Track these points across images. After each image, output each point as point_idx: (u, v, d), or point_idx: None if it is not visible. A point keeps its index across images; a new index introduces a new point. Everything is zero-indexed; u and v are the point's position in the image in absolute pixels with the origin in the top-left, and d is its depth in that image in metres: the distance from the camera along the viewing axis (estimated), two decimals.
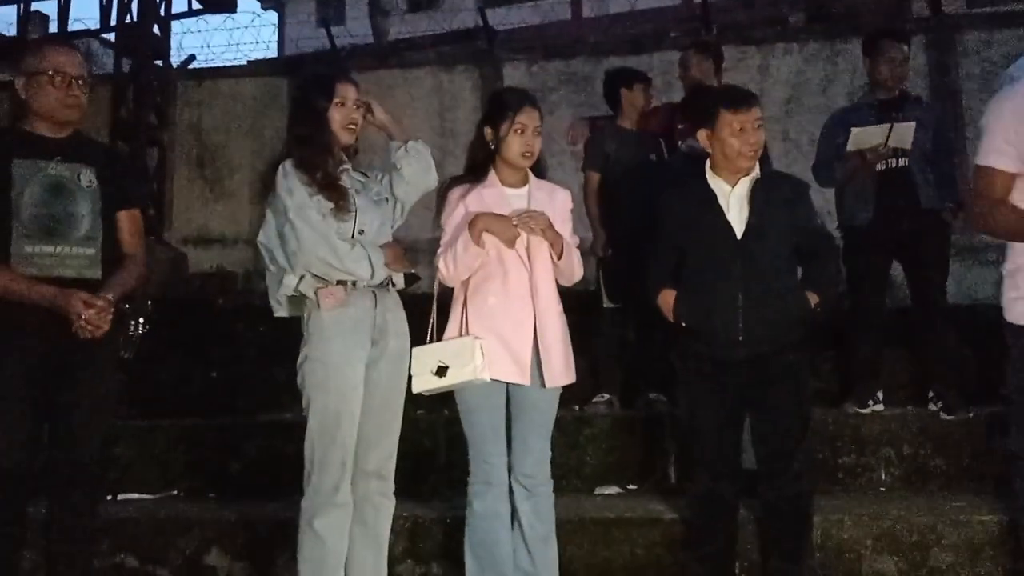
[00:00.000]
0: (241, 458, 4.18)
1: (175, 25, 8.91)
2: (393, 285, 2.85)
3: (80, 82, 2.79)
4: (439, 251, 2.89)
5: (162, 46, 8.30)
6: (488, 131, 2.92)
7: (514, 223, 2.81)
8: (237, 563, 3.28)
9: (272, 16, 22.33)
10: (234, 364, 5.41)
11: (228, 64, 10.81)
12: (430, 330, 2.88)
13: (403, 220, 2.98)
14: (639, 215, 4.26)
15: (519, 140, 2.89)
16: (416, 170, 2.90)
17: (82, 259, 2.77)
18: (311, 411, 2.73)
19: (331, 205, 2.71)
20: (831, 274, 3.06)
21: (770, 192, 2.94)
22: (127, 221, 2.91)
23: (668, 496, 3.55)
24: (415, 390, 2.83)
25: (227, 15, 10.12)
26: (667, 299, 2.96)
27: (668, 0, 18.20)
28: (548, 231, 2.85)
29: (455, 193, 2.93)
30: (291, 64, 10.74)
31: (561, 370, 2.89)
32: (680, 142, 4.30)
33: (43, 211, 2.73)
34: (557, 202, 2.99)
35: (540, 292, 2.89)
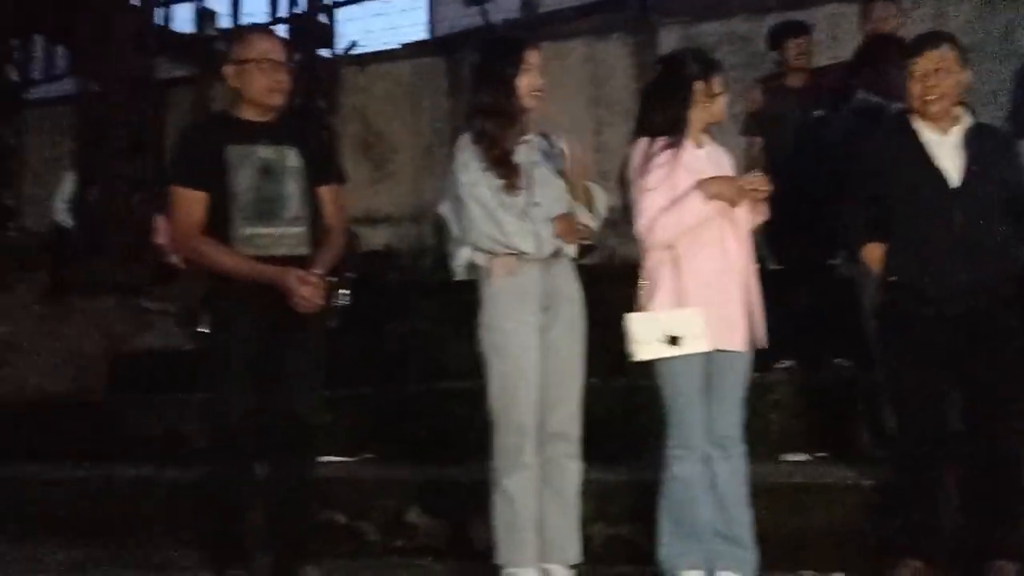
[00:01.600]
0: (425, 424, 4.35)
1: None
2: (565, 255, 2.90)
3: (284, 67, 2.95)
4: (647, 216, 2.84)
5: (328, 34, 8.65)
6: (701, 85, 2.87)
7: (744, 186, 2.80)
8: (435, 521, 3.43)
9: None
10: (408, 338, 5.63)
11: (386, 48, 11.15)
12: (639, 296, 2.88)
13: None
14: (805, 174, 4.15)
15: (725, 98, 2.88)
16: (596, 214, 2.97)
17: (293, 238, 2.94)
18: (490, 375, 2.85)
19: (502, 181, 2.78)
20: None
21: (983, 141, 2.81)
22: (328, 197, 3.06)
23: (862, 463, 3.44)
24: (640, 357, 2.83)
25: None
26: (874, 253, 2.86)
27: None
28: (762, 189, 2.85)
29: (656, 152, 2.89)
30: (446, 44, 10.95)
31: (760, 330, 2.88)
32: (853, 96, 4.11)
33: (257, 194, 2.90)
34: (725, 163, 2.98)
35: (744, 252, 2.89)
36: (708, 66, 2.91)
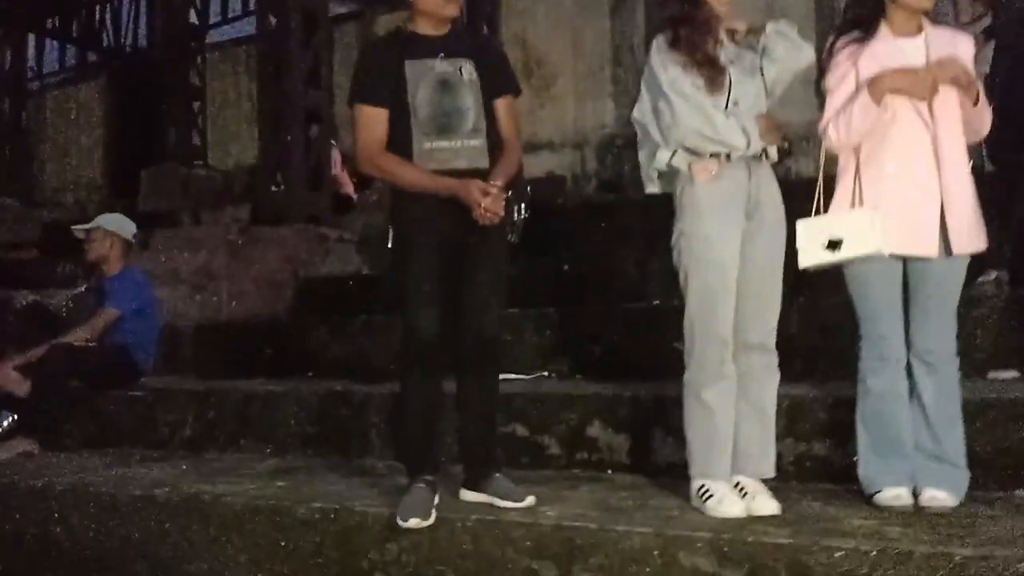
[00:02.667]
0: (602, 343, 4.34)
1: None
2: (767, 157, 2.77)
3: None
4: (826, 117, 2.72)
5: None
6: None
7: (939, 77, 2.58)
8: (617, 436, 3.41)
9: None
10: (580, 260, 5.62)
11: None
12: (816, 202, 2.74)
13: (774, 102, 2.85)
14: None
15: None
16: (786, 49, 2.74)
17: (473, 151, 2.93)
18: (689, 287, 2.75)
19: (703, 80, 2.67)
20: None
21: None
22: (503, 109, 3.03)
23: None
24: (802, 265, 2.72)
25: None
26: None
27: None
28: (963, 76, 2.60)
29: (841, 52, 2.73)
30: None
31: (970, 236, 2.67)
32: None
33: (436, 108, 2.90)
34: (959, 50, 2.70)
35: (945, 151, 2.65)
36: None
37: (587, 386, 3.87)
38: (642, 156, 2.86)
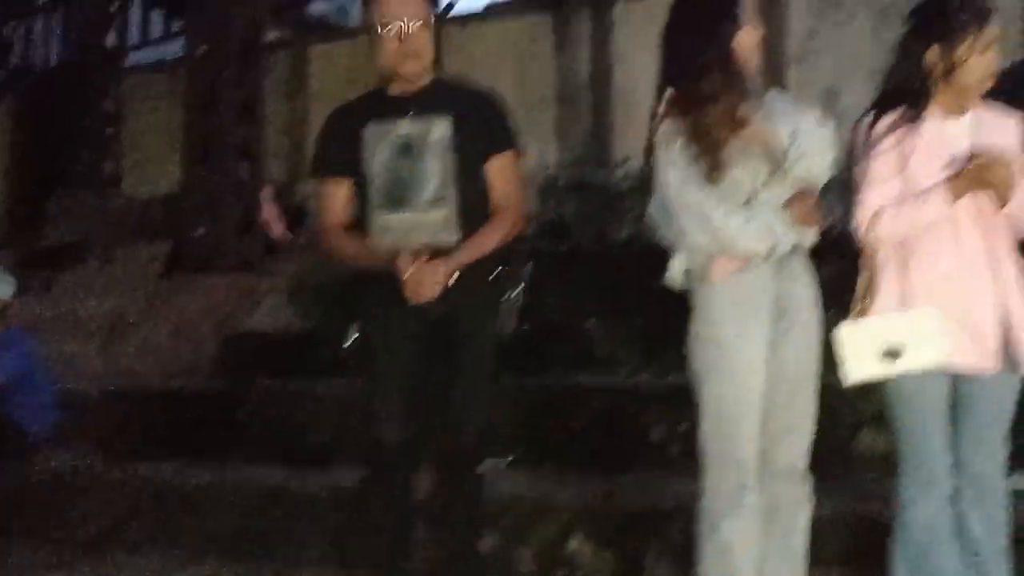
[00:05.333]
0: (573, 423, 3.92)
1: None
2: (800, 247, 2.37)
3: (417, 26, 2.53)
4: (869, 206, 2.33)
5: None
6: (933, 53, 2.32)
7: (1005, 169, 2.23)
8: (602, 552, 2.99)
9: None
10: (537, 320, 5.20)
11: (489, 4, 10.64)
12: (861, 301, 2.36)
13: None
14: None
15: (984, 61, 2.29)
16: (820, 155, 2.33)
17: (433, 224, 2.51)
18: (704, 398, 2.35)
19: (719, 172, 2.26)
20: None
21: None
22: (496, 170, 2.62)
23: None
24: (853, 379, 2.34)
25: None
26: None
27: None
28: (1008, 180, 2.25)
29: (880, 133, 2.36)
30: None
31: None
32: None
33: (391, 175, 2.52)
34: (1008, 131, 2.38)
35: (1000, 250, 2.33)
36: (950, 24, 2.30)
37: (563, 489, 3.41)
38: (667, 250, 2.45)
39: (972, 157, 2.26)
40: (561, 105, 9.67)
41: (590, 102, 9.38)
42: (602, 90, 9.28)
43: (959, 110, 2.37)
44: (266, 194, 7.22)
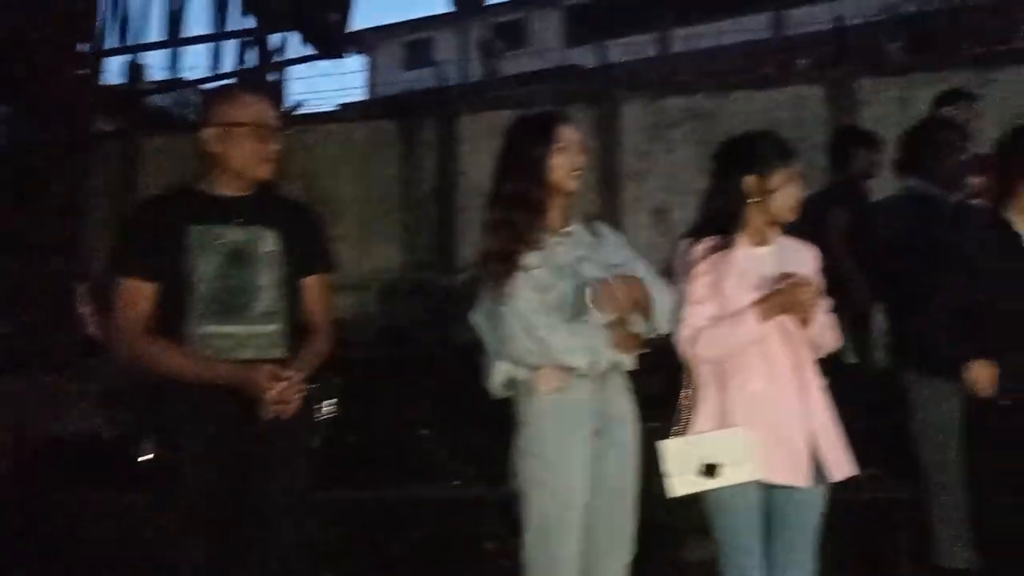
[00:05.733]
0: (404, 539, 3.77)
1: None
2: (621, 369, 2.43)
3: (277, 135, 2.46)
4: (690, 327, 2.44)
5: (278, 93, 8.15)
6: (751, 181, 2.47)
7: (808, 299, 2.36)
8: None
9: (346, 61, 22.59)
10: (366, 427, 5.05)
11: (335, 109, 10.70)
12: (681, 421, 2.44)
13: None
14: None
15: (792, 192, 2.46)
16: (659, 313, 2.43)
17: (264, 339, 2.40)
18: (529, 516, 2.34)
19: (547, 280, 2.32)
20: None
21: None
22: (314, 288, 2.53)
23: None
24: (675, 493, 2.38)
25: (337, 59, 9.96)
26: (986, 372, 2.44)
27: (756, 34, 17.91)
28: (813, 305, 2.41)
29: (698, 257, 2.49)
30: (398, 106, 10.56)
31: (843, 460, 2.43)
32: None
33: (220, 285, 2.38)
34: (806, 260, 2.54)
35: (805, 370, 2.45)
36: (767, 154, 2.49)
37: None
38: (484, 360, 2.44)
39: (779, 282, 2.39)
40: (405, 210, 9.74)
41: (435, 208, 9.51)
42: (447, 197, 9.43)
43: (765, 239, 2.52)
44: (83, 291, 6.79)
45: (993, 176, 2.80)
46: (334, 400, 2.57)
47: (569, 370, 2.32)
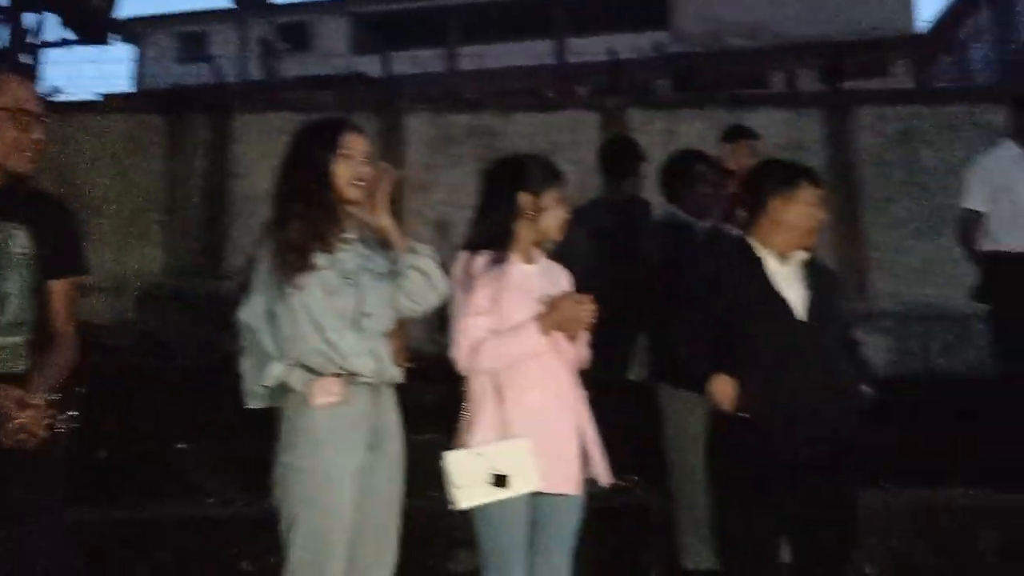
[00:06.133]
0: (159, 559, 3.52)
1: None
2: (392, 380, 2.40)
3: (42, 124, 2.23)
4: (469, 338, 2.45)
5: (31, 76, 7.45)
6: (526, 198, 2.53)
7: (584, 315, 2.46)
8: None
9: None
10: (121, 444, 4.70)
11: (96, 99, 9.94)
12: (463, 431, 2.45)
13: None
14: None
15: (561, 212, 2.56)
16: (420, 288, 2.39)
17: (6, 351, 2.18)
18: (295, 532, 2.23)
19: (335, 283, 2.27)
20: (868, 367, 2.82)
21: (819, 274, 2.69)
22: (61, 293, 2.31)
23: None
24: (463, 505, 2.37)
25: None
26: (725, 386, 2.61)
27: (542, 59, 18.62)
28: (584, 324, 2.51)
29: (477, 269, 2.52)
30: (168, 99, 9.97)
31: (603, 468, 2.53)
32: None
33: None
34: (562, 282, 2.65)
35: (574, 381, 2.55)
36: (540, 174, 2.59)
37: None
38: (246, 364, 2.32)
39: (556, 298, 2.47)
40: (169, 211, 9.22)
41: (202, 210, 9.07)
42: (216, 199, 9.02)
43: (533, 258, 2.60)
44: None
45: (743, 207, 3.04)
46: (76, 412, 2.36)
47: (349, 378, 2.26)
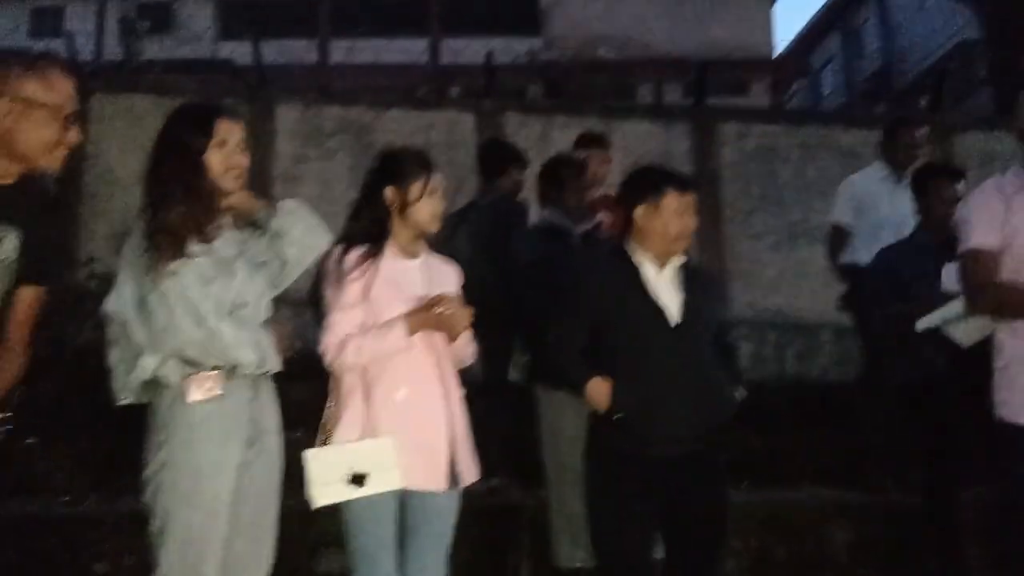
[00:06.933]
0: (5, 560, 3.28)
1: None
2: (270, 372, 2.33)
3: (76, 124, 2.07)
4: (335, 335, 2.43)
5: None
6: (391, 192, 2.53)
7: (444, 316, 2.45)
8: None
9: None
10: None
11: None
12: (326, 428, 2.41)
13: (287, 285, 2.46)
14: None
15: (432, 203, 2.55)
16: (306, 229, 2.38)
17: None
18: (169, 531, 2.15)
19: (211, 271, 2.19)
20: (740, 370, 2.93)
21: (695, 279, 2.78)
22: (30, 299, 2.12)
23: None
24: (319, 503, 2.35)
25: None
26: (601, 388, 2.66)
27: (416, 57, 18.51)
28: (460, 324, 2.51)
29: (349, 263, 2.50)
30: None
31: (472, 466, 2.55)
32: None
33: None
34: (450, 277, 2.67)
35: (448, 380, 2.54)
36: (407, 166, 2.58)
37: None
38: (113, 357, 2.21)
39: (432, 301, 2.46)
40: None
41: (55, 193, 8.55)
42: (70, 181, 8.49)
43: (414, 252, 2.59)
44: None
45: (617, 212, 3.11)
46: (10, 413, 2.17)
47: (229, 372, 2.18)
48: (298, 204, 2.43)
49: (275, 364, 2.30)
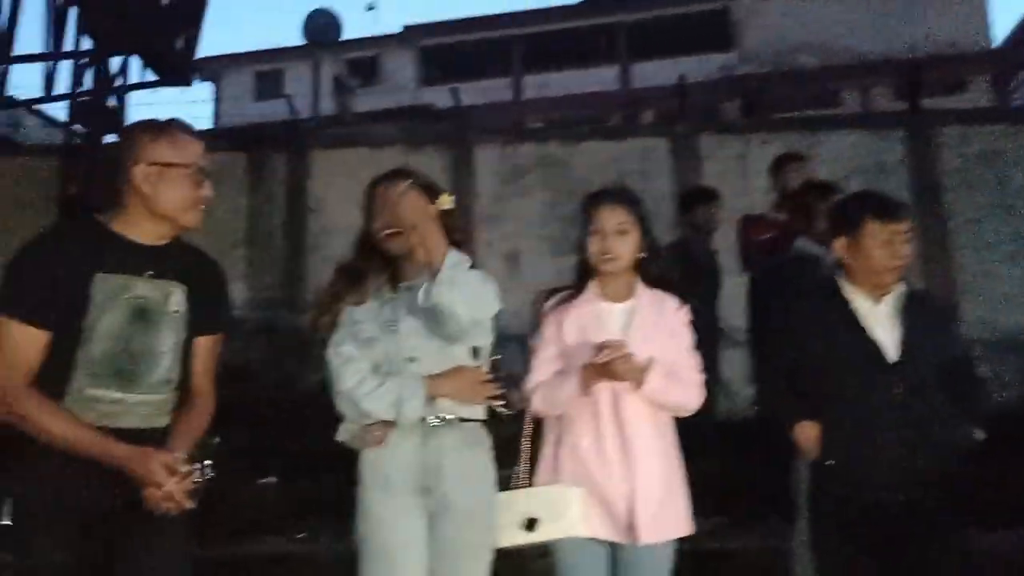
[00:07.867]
0: None
1: None
2: (446, 419, 2.32)
3: (209, 178, 2.25)
4: (533, 379, 2.47)
5: (117, 120, 7.69)
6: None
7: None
8: None
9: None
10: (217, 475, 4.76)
11: None
12: (520, 471, 2.44)
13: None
14: None
15: (595, 241, 2.48)
16: (456, 298, 2.25)
17: (152, 406, 2.17)
18: (362, 571, 2.30)
19: (373, 333, 2.33)
20: (983, 407, 2.69)
21: (919, 310, 2.58)
22: (204, 351, 2.29)
23: None
24: (498, 544, 2.36)
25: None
26: (809, 433, 2.53)
27: (608, 84, 18.59)
28: (624, 372, 2.33)
29: (548, 311, 2.52)
30: (247, 137, 10.21)
31: (661, 522, 2.38)
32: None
33: (120, 346, 2.12)
34: (667, 314, 2.51)
35: (634, 428, 2.41)
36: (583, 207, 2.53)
37: None
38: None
39: (598, 351, 2.34)
40: (251, 246, 9.41)
41: (283, 245, 9.24)
42: (296, 234, 9.19)
43: (623, 295, 2.51)
44: None
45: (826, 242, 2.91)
46: (210, 462, 2.38)
47: (389, 425, 2.28)
48: (456, 272, 2.27)
49: (417, 414, 2.28)
